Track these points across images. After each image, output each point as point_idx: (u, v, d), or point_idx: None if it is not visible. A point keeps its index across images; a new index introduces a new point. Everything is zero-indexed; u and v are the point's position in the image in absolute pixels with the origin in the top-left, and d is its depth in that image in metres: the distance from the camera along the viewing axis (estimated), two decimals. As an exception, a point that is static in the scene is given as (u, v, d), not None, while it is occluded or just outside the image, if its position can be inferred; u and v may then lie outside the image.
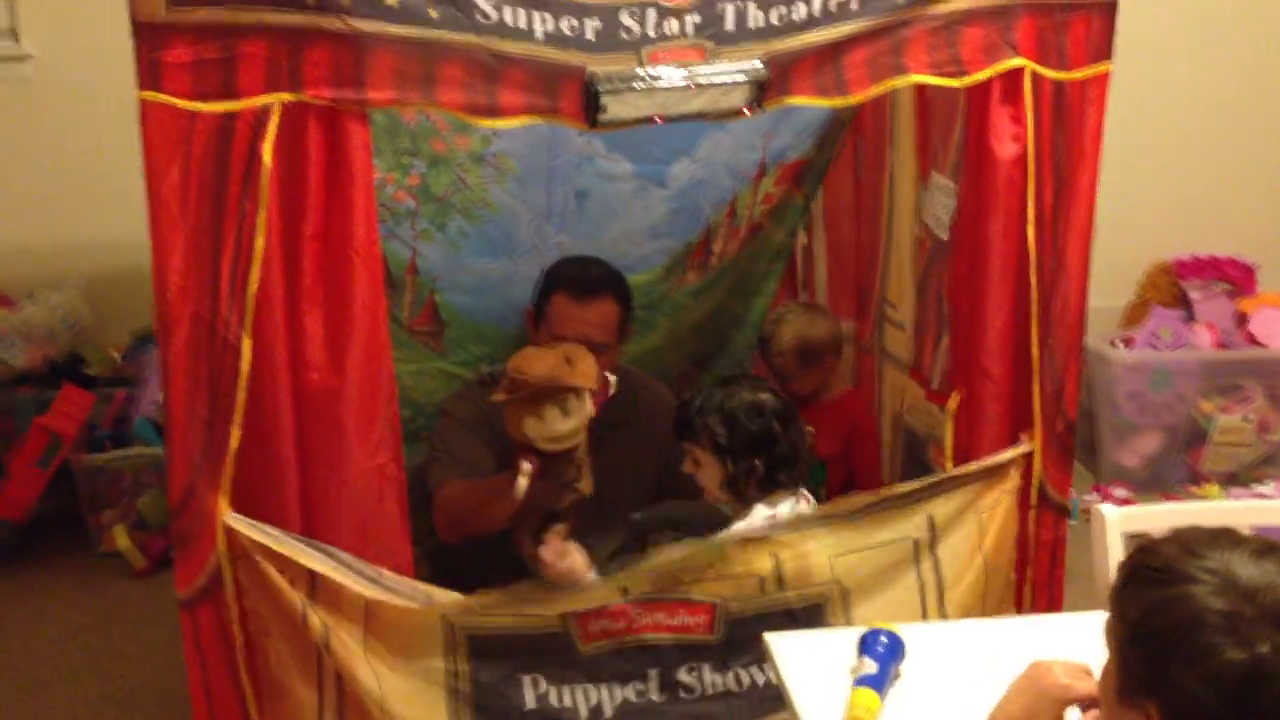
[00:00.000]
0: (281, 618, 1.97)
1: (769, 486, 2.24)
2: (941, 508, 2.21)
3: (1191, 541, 1.27)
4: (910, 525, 2.20)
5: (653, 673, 2.13)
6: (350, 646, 1.98)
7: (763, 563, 2.13)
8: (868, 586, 2.17)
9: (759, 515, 2.23)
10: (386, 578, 2.00)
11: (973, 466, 2.23)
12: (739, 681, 2.16)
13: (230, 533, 1.93)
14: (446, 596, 2.04)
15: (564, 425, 2.07)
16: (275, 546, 1.93)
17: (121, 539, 3.32)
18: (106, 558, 3.36)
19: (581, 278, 2.55)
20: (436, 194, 2.59)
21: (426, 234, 2.64)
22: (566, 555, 2.10)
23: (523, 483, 2.04)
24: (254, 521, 1.93)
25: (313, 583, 1.95)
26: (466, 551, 2.52)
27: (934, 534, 2.20)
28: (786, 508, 2.24)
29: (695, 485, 2.36)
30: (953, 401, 2.33)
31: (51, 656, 2.98)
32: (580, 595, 2.08)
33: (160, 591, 3.19)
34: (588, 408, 2.11)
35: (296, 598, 1.95)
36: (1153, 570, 1.27)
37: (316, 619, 1.95)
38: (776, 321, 2.93)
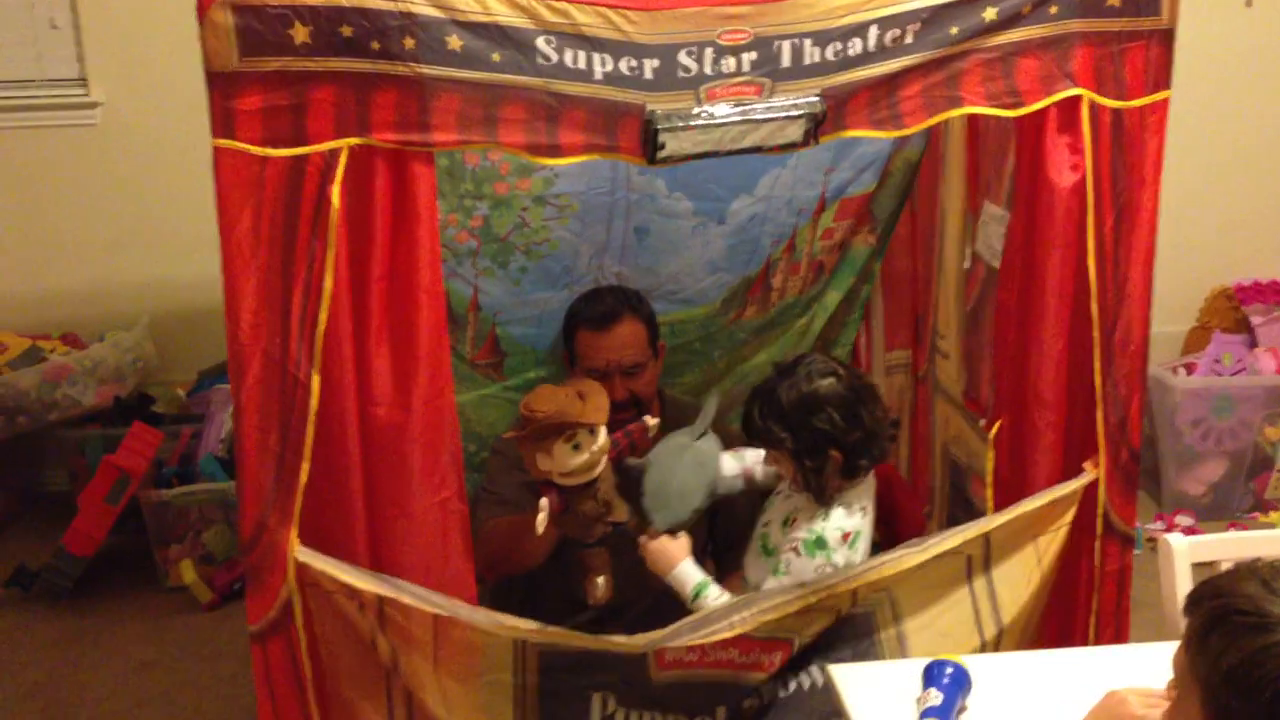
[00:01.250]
0: (350, 643, 2.00)
1: (852, 473, 2.13)
2: (1000, 528, 2.18)
3: (1271, 579, 1.25)
4: (965, 545, 2.16)
5: (720, 710, 2.10)
6: (419, 668, 2.00)
7: (843, 599, 2.09)
8: (918, 598, 2.13)
9: (836, 519, 2.15)
10: (458, 606, 2.02)
11: (1040, 499, 2.19)
12: (799, 686, 2.09)
13: (300, 565, 1.97)
14: (520, 623, 2.04)
15: (575, 460, 2.08)
16: (344, 576, 1.96)
17: (188, 573, 3.37)
18: (174, 592, 3.41)
19: (598, 308, 2.59)
20: (499, 234, 2.63)
21: (488, 272, 2.68)
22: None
23: (541, 518, 2.05)
24: (324, 556, 1.97)
25: (381, 609, 1.97)
26: (524, 587, 2.55)
27: (988, 551, 2.16)
28: (859, 515, 2.16)
29: (747, 509, 2.34)
30: (994, 430, 2.32)
31: (120, 690, 3.02)
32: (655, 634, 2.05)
33: (226, 625, 3.25)
34: (601, 441, 2.11)
35: (365, 623, 1.97)
36: (1243, 614, 1.23)
37: (385, 643, 1.98)
38: None
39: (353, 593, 1.97)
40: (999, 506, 2.29)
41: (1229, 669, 1.23)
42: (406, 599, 1.97)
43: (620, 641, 2.04)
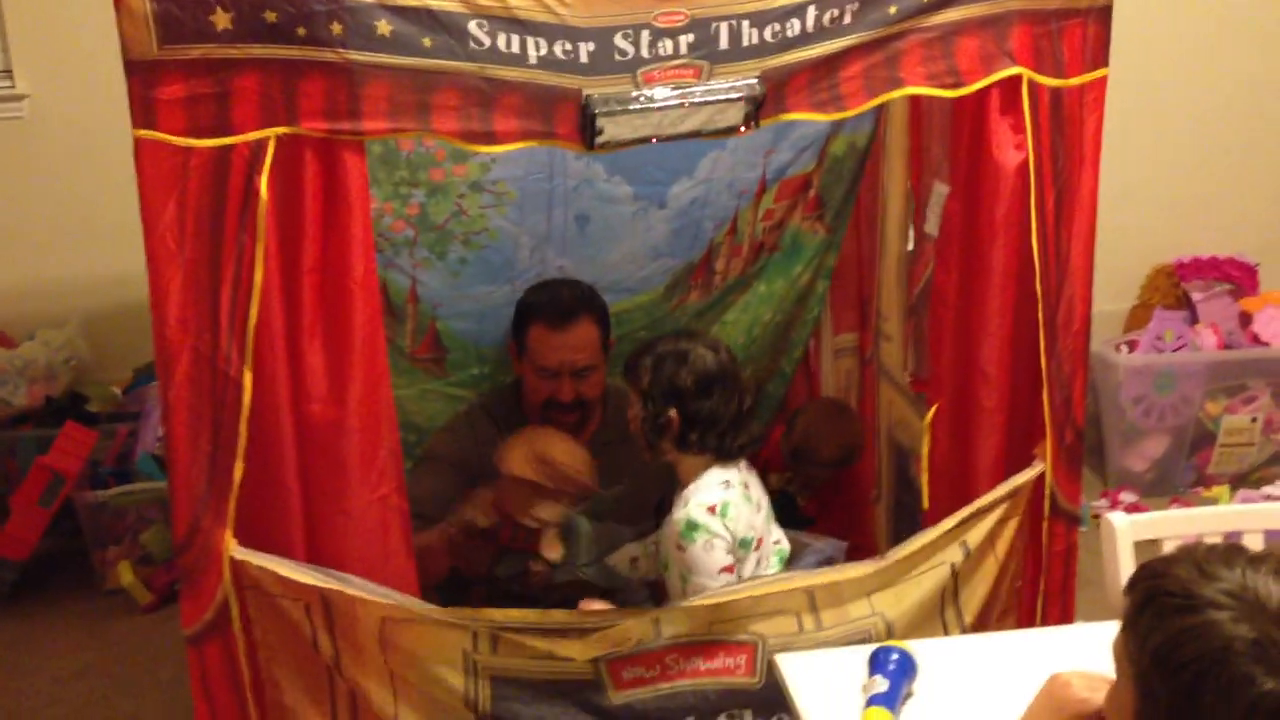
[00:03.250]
0: (292, 646, 1.96)
1: (683, 444, 2.18)
2: (974, 534, 2.18)
3: (1205, 562, 1.24)
4: (946, 553, 2.17)
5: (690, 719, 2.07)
6: (364, 666, 1.97)
7: (796, 599, 2.09)
8: (911, 615, 2.14)
9: (713, 477, 2.18)
10: (406, 599, 1.99)
11: (1002, 490, 2.20)
12: None
13: (236, 566, 1.92)
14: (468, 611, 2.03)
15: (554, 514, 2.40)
16: (285, 572, 1.92)
17: (126, 575, 3.31)
18: (111, 595, 3.34)
19: (556, 304, 2.55)
20: (435, 222, 2.58)
21: (426, 262, 2.64)
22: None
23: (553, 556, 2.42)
24: (261, 554, 1.93)
25: (325, 605, 1.93)
26: (479, 583, 2.52)
27: (967, 557, 2.18)
28: (720, 489, 2.18)
29: None
30: (929, 414, 2.32)
31: (59, 696, 2.96)
32: (611, 632, 2.04)
33: (166, 627, 3.18)
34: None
35: (305, 622, 1.94)
36: (1171, 595, 1.23)
37: (328, 644, 1.95)
38: (812, 435, 2.84)
39: (296, 593, 1.93)
40: (936, 492, 2.30)
41: (1154, 649, 1.23)
42: (351, 592, 1.94)
43: (569, 659, 2.02)
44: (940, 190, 2.51)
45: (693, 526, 2.12)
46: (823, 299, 3.13)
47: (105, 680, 3.01)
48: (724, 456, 2.20)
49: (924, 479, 2.33)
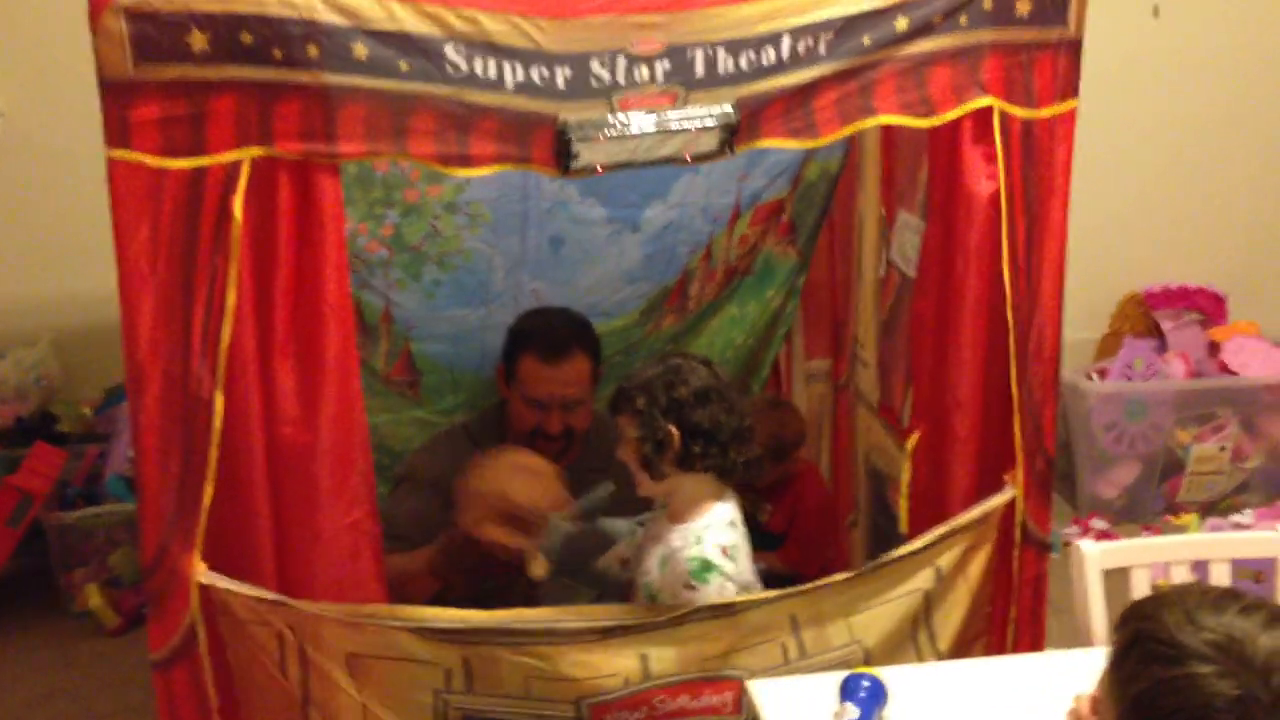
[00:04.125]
0: (261, 669, 1.94)
1: (686, 462, 2.11)
2: (947, 558, 2.19)
3: (1195, 610, 1.22)
4: (920, 578, 2.17)
5: None
6: (334, 697, 1.95)
7: (781, 629, 2.07)
8: (886, 643, 2.13)
9: (720, 515, 2.13)
10: (372, 611, 1.96)
11: (973, 513, 2.20)
12: None
13: (204, 591, 1.91)
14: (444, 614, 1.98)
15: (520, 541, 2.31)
16: (250, 595, 1.90)
17: (94, 598, 3.28)
18: (79, 617, 3.32)
19: (550, 337, 2.53)
20: (410, 243, 2.58)
21: (401, 283, 2.63)
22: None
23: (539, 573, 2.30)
24: (229, 579, 1.91)
25: (294, 633, 1.92)
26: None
27: (940, 584, 2.18)
28: (728, 530, 2.13)
29: None
30: (911, 441, 2.33)
31: (25, 718, 2.92)
32: (593, 663, 2.00)
33: (134, 650, 3.13)
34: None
35: (275, 648, 1.92)
36: (1157, 643, 1.22)
37: (296, 669, 1.93)
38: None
39: (265, 620, 1.91)
40: (915, 518, 2.30)
41: (1136, 695, 1.22)
42: (313, 627, 1.91)
43: (551, 702, 1.98)
44: (905, 219, 2.53)
45: (707, 567, 2.06)
46: (790, 319, 3.15)
47: (72, 703, 2.98)
48: (726, 474, 2.14)
49: (903, 505, 2.33)
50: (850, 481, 3.00)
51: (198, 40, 1.72)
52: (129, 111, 1.73)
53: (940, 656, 2.20)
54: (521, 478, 2.32)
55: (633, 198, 2.69)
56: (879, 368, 2.78)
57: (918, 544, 2.17)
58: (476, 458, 2.38)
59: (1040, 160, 2.11)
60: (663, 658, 2.03)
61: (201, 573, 1.90)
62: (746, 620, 2.05)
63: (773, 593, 2.10)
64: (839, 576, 2.13)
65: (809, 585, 2.12)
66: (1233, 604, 1.22)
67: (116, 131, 1.74)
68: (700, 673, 2.04)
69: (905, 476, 2.33)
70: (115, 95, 1.73)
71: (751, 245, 2.94)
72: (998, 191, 2.10)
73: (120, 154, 1.74)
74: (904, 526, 2.31)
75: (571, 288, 2.75)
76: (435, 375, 2.78)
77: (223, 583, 1.91)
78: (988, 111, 2.07)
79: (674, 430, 2.10)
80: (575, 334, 2.55)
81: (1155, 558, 2.06)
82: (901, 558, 2.16)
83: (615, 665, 2.01)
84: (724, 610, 2.04)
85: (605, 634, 2.00)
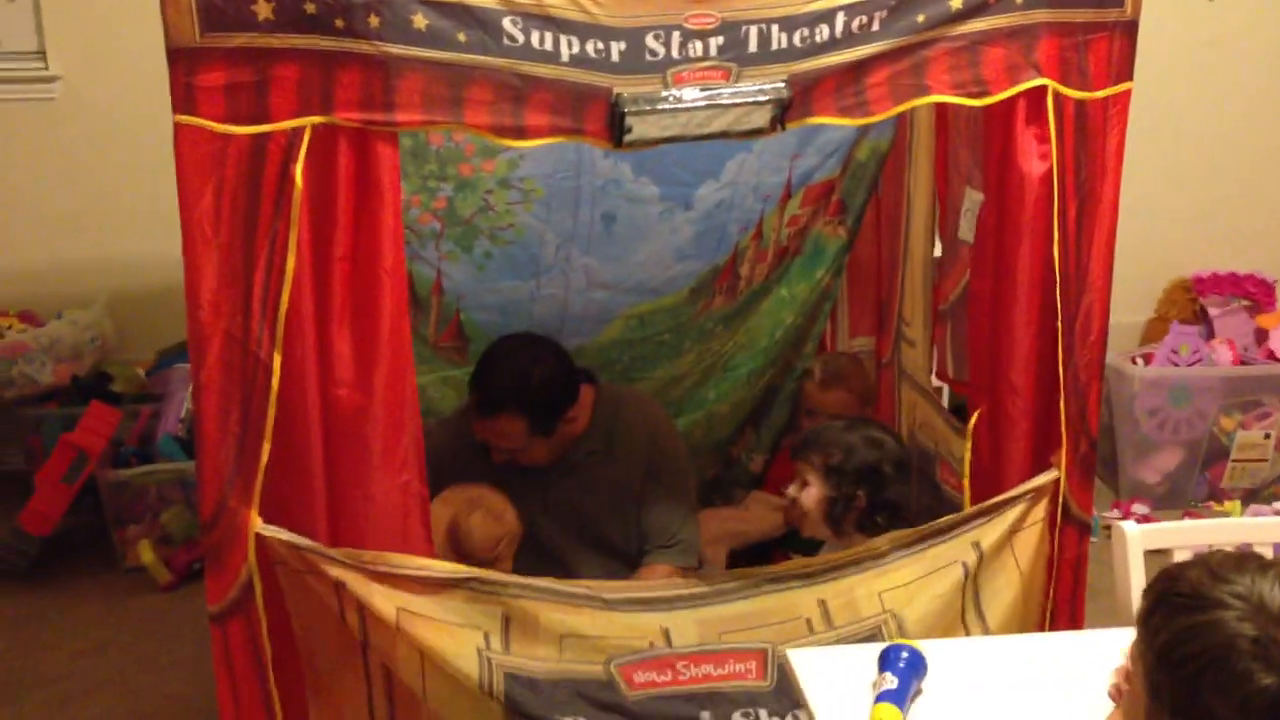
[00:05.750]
0: (324, 619, 2.00)
1: (866, 526, 2.25)
2: (987, 534, 2.20)
3: (1218, 566, 1.28)
4: (957, 550, 2.18)
5: (705, 715, 2.08)
6: (390, 643, 2.00)
7: (807, 607, 2.12)
8: (921, 614, 2.15)
9: None
10: (418, 565, 2.02)
11: (1014, 492, 2.22)
12: None
13: (261, 544, 1.96)
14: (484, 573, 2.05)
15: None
16: (307, 549, 1.96)
17: (146, 554, 3.34)
18: (131, 572, 3.39)
19: (483, 392, 2.49)
20: (462, 216, 2.61)
21: (452, 255, 2.67)
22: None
23: None
24: (285, 531, 1.96)
25: (346, 590, 1.97)
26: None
27: (980, 557, 2.19)
28: None
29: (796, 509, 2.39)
30: (972, 420, 2.34)
31: (77, 671, 3.00)
32: (622, 624, 2.07)
33: (184, 605, 3.22)
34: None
35: (333, 598, 1.97)
36: (1181, 596, 1.28)
37: (354, 617, 1.98)
38: (829, 377, 3.01)
39: (319, 572, 1.96)
40: (976, 497, 2.31)
41: (1160, 646, 1.28)
42: (362, 591, 1.96)
43: (585, 659, 2.04)
44: (973, 197, 2.52)
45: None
46: (834, 295, 3.16)
47: (123, 656, 3.05)
48: None
49: (965, 484, 2.34)
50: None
51: (263, 9, 1.75)
52: (195, 78, 1.77)
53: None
54: (478, 516, 2.36)
55: (686, 176, 2.71)
56: (954, 345, 2.78)
57: (943, 522, 2.19)
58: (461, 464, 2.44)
59: (1093, 142, 2.11)
60: (684, 631, 2.09)
61: (258, 525, 1.95)
62: (770, 599, 2.11)
63: (796, 566, 2.13)
64: (863, 548, 2.16)
65: (828, 559, 2.15)
66: (1251, 561, 1.29)
67: (182, 98, 1.78)
68: (720, 645, 2.10)
69: (966, 457, 2.34)
70: (182, 62, 1.77)
71: (802, 225, 2.95)
72: (1049, 172, 2.10)
73: (186, 119, 1.79)
74: (967, 506, 2.32)
75: (622, 264, 2.77)
76: (483, 342, 2.80)
77: (281, 534, 1.96)
78: (1041, 91, 2.06)
79: (861, 496, 2.27)
80: (509, 395, 2.46)
81: (1197, 540, 2.06)
82: (929, 534, 2.18)
83: (640, 630, 2.08)
84: (749, 590, 2.10)
85: (614, 605, 2.08)
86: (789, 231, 2.94)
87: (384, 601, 1.98)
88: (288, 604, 2.01)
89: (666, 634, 2.09)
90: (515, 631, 2.04)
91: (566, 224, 2.68)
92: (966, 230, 2.58)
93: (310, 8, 1.76)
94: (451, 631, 2.02)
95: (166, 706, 2.85)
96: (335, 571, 1.96)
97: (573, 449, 2.56)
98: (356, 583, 1.97)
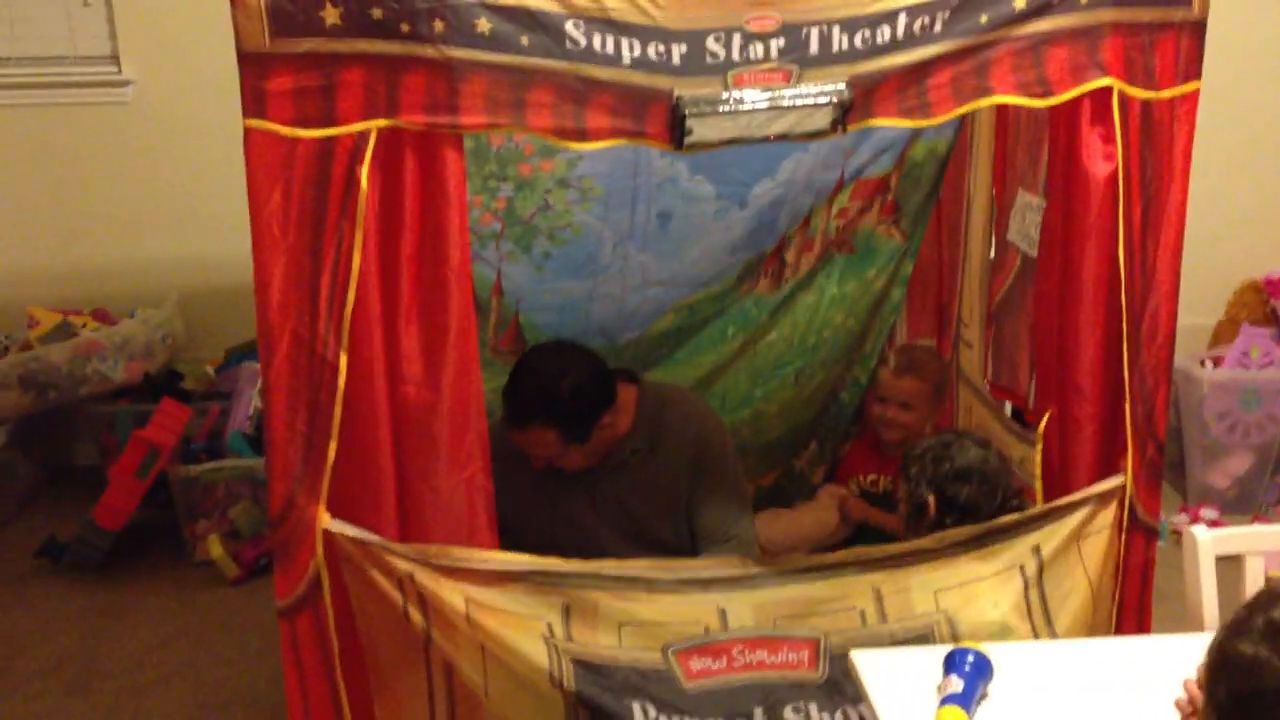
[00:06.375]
0: (387, 615, 2.03)
1: (938, 527, 2.25)
2: (1048, 538, 2.17)
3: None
4: (1016, 554, 2.16)
5: (758, 710, 2.10)
6: (453, 640, 2.03)
7: (862, 596, 2.12)
8: (975, 616, 2.14)
9: None
10: (482, 558, 2.04)
11: (1075, 497, 2.20)
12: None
13: (329, 540, 1.99)
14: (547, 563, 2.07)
15: None
16: (374, 544, 1.99)
17: (215, 548, 3.41)
18: (201, 566, 3.46)
19: (512, 403, 2.46)
20: (522, 216, 2.64)
21: (512, 255, 2.69)
22: None
23: None
24: (353, 526, 2.00)
25: (413, 580, 2.00)
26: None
27: (1040, 563, 2.17)
28: None
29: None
30: (1043, 422, 2.31)
31: (148, 662, 3.07)
32: (679, 609, 2.09)
33: (253, 599, 3.29)
34: None
35: (397, 595, 2.00)
36: (1242, 660, 1.26)
37: (418, 614, 2.01)
38: (902, 366, 2.97)
39: (387, 567, 1.99)
40: (1048, 500, 2.28)
41: (1219, 705, 1.27)
42: (431, 584, 1.99)
43: (643, 647, 2.06)
44: (1024, 199, 2.50)
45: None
46: (898, 308, 3.13)
47: (192, 648, 3.11)
48: None
49: (1038, 486, 2.33)
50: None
51: (330, 14, 1.79)
52: (264, 83, 1.81)
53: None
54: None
55: (741, 175, 2.71)
56: (994, 347, 2.76)
57: (1003, 521, 2.18)
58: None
59: (1159, 142, 2.08)
60: (739, 614, 2.10)
61: (326, 521, 1.98)
62: (826, 585, 2.12)
63: (852, 555, 2.14)
64: (920, 543, 2.16)
65: (886, 549, 2.15)
66: None
67: (252, 102, 1.82)
68: (775, 630, 2.10)
69: (1038, 459, 2.32)
70: (252, 67, 1.81)
71: (851, 219, 2.93)
72: (1115, 173, 2.07)
73: (256, 123, 1.82)
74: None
75: (677, 261, 2.78)
76: (542, 344, 2.84)
77: (349, 530, 1.99)
78: (1107, 91, 2.04)
79: (932, 500, 2.29)
80: (536, 407, 2.43)
81: (1269, 546, 2.03)
82: (989, 531, 2.16)
83: (696, 614, 2.09)
84: (806, 574, 2.11)
85: (682, 585, 2.10)
86: (837, 224, 2.92)
87: (452, 593, 2.00)
88: (352, 602, 2.04)
89: (723, 615, 2.10)
90: (576, 621, 2.07)
91: (624, 222, 2.70)
92: (1015, 233, 2.56)
93: (376, 13, 1.79)
94: (518, 621, 2.04)
95: (235, 699, 2.91)
96: (403, 565, 1.99)
97: (618, 448, 2.56)
98: (424, 575, 2.00)
